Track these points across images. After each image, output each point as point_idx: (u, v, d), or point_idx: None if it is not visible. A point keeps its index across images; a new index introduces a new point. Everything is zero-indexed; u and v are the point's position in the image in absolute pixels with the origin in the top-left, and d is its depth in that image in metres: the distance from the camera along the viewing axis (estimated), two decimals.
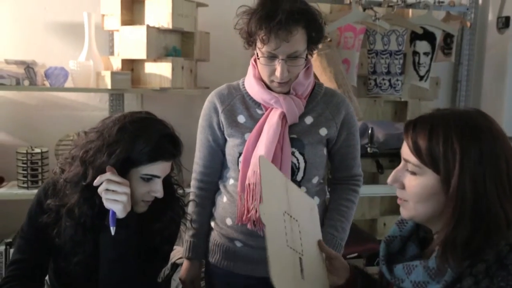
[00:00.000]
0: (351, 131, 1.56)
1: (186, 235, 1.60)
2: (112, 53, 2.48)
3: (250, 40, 1.43)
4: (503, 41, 2.77)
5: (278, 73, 1.40)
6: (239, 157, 1.49)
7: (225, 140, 1.54)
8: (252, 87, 1.51)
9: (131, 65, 2.36)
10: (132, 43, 2.24)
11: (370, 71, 2.58)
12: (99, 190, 1.15)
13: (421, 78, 2.63)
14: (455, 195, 0.91)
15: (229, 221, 1.54)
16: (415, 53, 2.62)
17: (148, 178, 1.21)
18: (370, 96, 2.64)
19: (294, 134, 1.48)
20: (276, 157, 1.43)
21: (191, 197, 1.60)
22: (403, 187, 1.00)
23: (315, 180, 1.53)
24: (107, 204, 1.15)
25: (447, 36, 2.73)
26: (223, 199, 1.56)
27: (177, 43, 2.40)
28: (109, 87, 2.21)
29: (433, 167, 0.94)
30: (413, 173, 0.97)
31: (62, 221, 1.20)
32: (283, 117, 1.45)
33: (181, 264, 1.68)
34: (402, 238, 1.07)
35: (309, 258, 1.08)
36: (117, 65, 2.35)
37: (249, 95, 1.53)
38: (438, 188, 0.94)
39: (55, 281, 1.33)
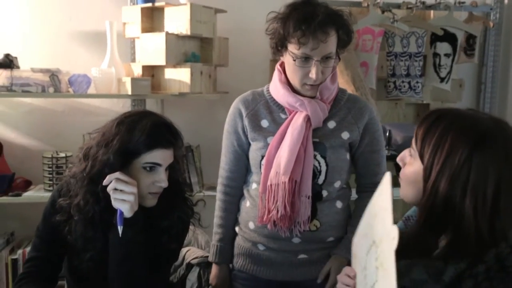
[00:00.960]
0: (374, 136, 1.55)
1: (213, 239, 1.64)
2: (133, 60, 2.54)
3: (282, 44, 1.44)
4: None
5: (313, 74, 1.41)
6: (261, 160, 1.51)
7: (249, 145, 1.57)
8: (277, 91, 1.53)
9: (152, 71, 2.42)
10: (152, 49, 2.30)
11: (389, 73, 2.56)
12: (108, 189, 1.19)
13: (442, 80, 2.59)
14: (430, 189, 0.91)
15: (251, 225, 1.56)
16: (435, 54, 2.59)
17: (151, 167, 1.25)
18: (390, 99, 2.62)
19: (316, 138, 1.49)
20: (299, 159, 1.44)
21: (217, 201, 1.63)
22: (404, 167, 1.03)
23: (337, 184, 1.52)
24: (115, 204, 1.19)
25: (470, 37, 2.67)
26: (246, 204, 1.59)
27: (196, 49, 2.45)
28: (129, 93, 2.27)
29: (420, 155, 0.95)
30: (411, 156, 1.00)
31: (73, 219, 1.25)
32: (308, 120, 1.47)
33: (196, 264, 1.71)
34: (408, 234, 1.06)
35: None
36: (138, 71, 2.41)
37: (273, 100, 1.55)
38: (420, 177, 0.95)
39: (70, 279, 1.37)
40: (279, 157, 1.45)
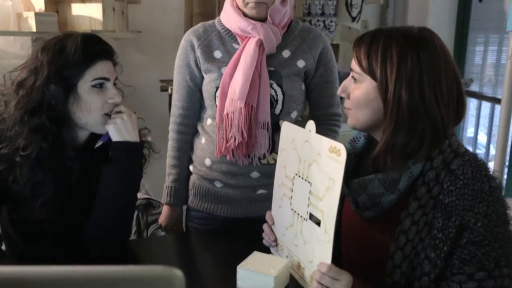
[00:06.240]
0: (328, 66, 1.53)
1: (167, 181, 1.57)
2: None
3: None
4: None
5: None
6: (216, 91, 1.45)
7: (202, 78, 1.50)
8: (229, 17, 1.47)
9: (56, 7, 2.19)
10: None
11: (305, 12, 2.59)
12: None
13: (353, 19, 2.69)
14: (392, 99, 0.93)
15: (208, 162, 1.50)
16: None
17: (99, 84, 1.14)
18: None
19: (271, 67, 1.45)
20: (254, 85, 1.40)
21: (170, 141, 1.55)
22: (348, 97, 1.02)
23: (294, 115, 1.50)
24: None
25: None
26: (201, 141, 1.53)
27: None
28: (34, 30, 2.03)
29: (371, 73, 0.96)
30: (356, 81, 1.00)
31: (17, 166, 1.10)
32: (260, 44, 1.42)
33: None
34: (356, 154, 1.10)
35: (311, 225, 1.01)
36: (39, 6, 2.16)
37: (225, 30, 1.49)
38: (376, 93, 0.96)
39: (15, 234, 1.21)
40: (233, 85, 1.41)
